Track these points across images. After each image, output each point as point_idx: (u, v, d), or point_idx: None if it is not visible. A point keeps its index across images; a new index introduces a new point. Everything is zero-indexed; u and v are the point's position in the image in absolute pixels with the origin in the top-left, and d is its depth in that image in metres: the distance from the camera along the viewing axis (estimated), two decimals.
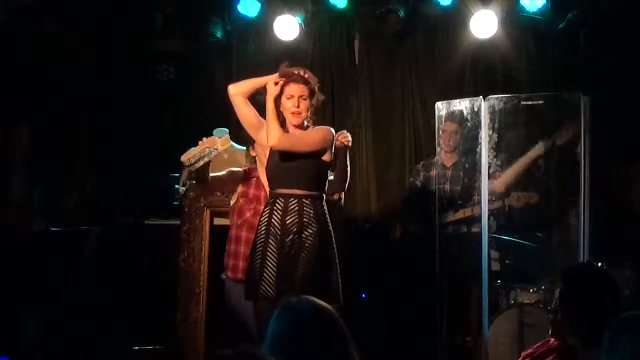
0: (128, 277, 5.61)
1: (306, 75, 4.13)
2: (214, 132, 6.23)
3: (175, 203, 5.82)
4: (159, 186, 6.24)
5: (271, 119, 4.03)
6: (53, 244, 5.42)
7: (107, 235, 5.75)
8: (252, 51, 7.02)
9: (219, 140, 4.29)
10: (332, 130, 4.19)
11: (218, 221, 5.21)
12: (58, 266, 5.29)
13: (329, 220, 4.08)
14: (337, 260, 4.08)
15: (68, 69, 6.37)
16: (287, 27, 6.64)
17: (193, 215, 4.90)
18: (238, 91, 4.21)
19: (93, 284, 5.55)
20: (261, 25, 6.88)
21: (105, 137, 6.78)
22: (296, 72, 4.13)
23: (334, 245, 4.09)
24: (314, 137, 4.10)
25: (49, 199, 5.87)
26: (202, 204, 4.90)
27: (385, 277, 5.98)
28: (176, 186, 6.03)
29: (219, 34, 6.77)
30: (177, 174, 6.20)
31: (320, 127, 4.20)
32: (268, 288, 3.97)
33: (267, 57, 6.86)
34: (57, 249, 5.38)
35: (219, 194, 4.93)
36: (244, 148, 6.07)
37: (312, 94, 4.13)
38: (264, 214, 4.09)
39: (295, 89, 4.09)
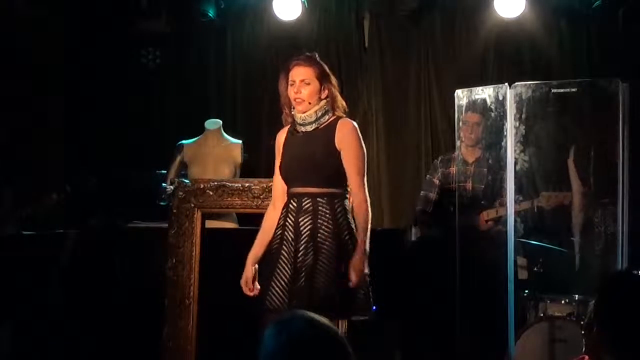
0: (109, 286, 5.60)
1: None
2: (206, 123, 6.25)
3: (162, 203, 5.82)
4: (144, 184, 6.23)
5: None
6: (25, 250, 5.42)
7: (85, 240, 5.74)
8: (249, 33, 7.02)
9: None
10: (354, 123, 4.11)
11: (210, 224, 5.21)
12: (30, 274, 5.29)
13: (350, 220, 4.04)
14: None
15: (39, 55, 6.35)
16: (288, 6, 6.65)
17: (182, 217, 4.88)
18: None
19: (70, 294, 5.55)
20: (259, 4, 6.88)
21: (84, 130, 6.77)
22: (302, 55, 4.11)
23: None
24: (358, 153, 4.05)
25: (20, 201, 5.86)
26: (193, 205, 4.88)
27: (398, 287, 5.96)
28: (163, 184, 6.03)
29: (211, 14, 6.77)
30: (164, 171, 6.20)
31: (347, 129, 4.05)
32: (275, 299, 3.94)
33: (265, 40, 6.87)
34: (29, 255, 5.37)
35: (211, 193, 4.91)
36: (240, 142, 6.09)
37: (321, 76, 4.03)
38: (280, 216, 4.09)
39: (296, 73, 4.03)
